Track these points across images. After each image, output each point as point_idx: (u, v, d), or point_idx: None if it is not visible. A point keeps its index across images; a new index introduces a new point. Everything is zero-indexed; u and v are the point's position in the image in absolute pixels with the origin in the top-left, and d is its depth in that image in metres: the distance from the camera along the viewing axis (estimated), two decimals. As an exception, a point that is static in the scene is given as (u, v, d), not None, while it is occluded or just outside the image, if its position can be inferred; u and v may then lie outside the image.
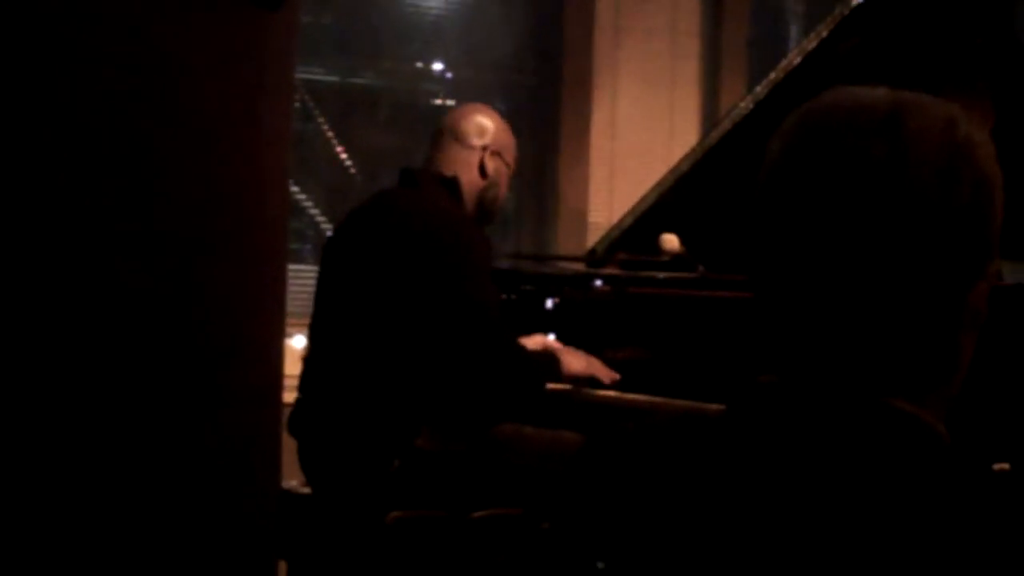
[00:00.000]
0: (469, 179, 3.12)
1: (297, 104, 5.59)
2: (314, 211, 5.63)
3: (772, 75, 3.19)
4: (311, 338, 3.08)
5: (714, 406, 2.40)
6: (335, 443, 2.84)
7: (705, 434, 1.04)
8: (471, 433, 2.81)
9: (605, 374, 2.94)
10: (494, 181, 3.16)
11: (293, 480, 2.97)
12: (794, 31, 6.61)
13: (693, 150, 3.42)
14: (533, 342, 2.98)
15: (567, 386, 2.89)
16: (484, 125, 3.18)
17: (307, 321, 3.14)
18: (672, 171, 3.42)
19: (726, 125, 3.30)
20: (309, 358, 3.03)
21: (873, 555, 0.89)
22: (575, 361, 2.92)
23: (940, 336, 0.99)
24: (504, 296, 3.25)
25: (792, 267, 1.01)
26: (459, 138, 3.15)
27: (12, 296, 1.99)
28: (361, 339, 2.86)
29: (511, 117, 3.45)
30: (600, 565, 1.03)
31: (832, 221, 0.97)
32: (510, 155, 3.22)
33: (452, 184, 3.08)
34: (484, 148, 3.15)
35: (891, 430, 0.96)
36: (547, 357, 2.91)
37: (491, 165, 3.14)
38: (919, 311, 0.98)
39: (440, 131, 3.21)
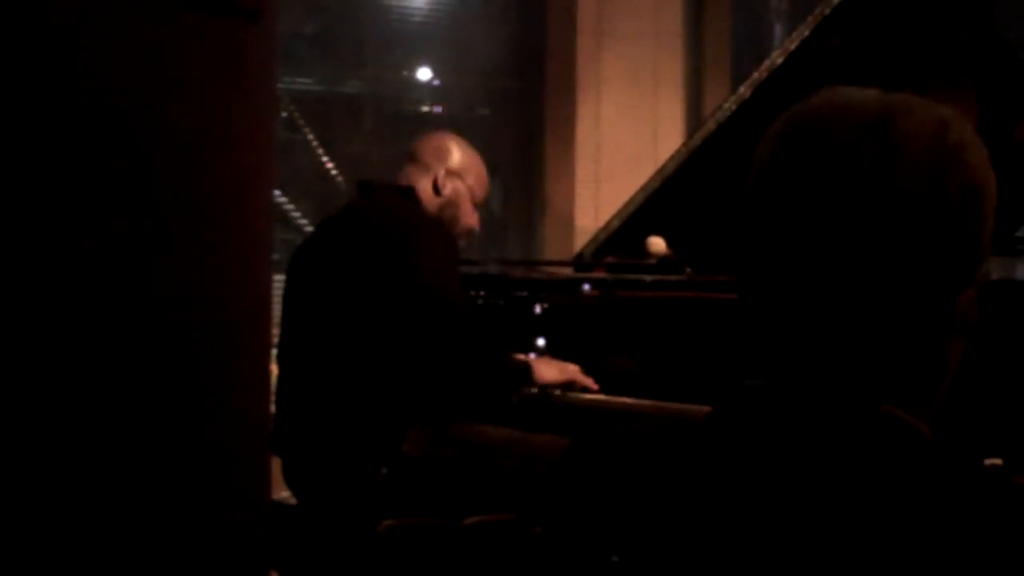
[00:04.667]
0: (426, 192, 3.09)
1: (283, 115, 5.58)
2: (302, 221, 5.63)
3: (755, 75, 3.19)
4: (281, 354, 3.01)
5: (701, 409, 2.39)
6: (320, 457, 2.81)
7: (691, 437, 1.04)
8: (447, 431, 2.80)
9: (582, 383, 2.93)
10: (451, 200, 3.11)
11: (284, 491, 2.96)
12: (777, 30, 6.62)
13: (678, 152, 3.41)
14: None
15: (556, 390, 2.88)
16: (444, 148, 3.15)
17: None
18: (658, 173, 3.42)
19: (710, 126, 3.29)
20: (282, 374, 2.96)
21: (860, 559, 0.89)
22: (548, 370, 2.90)
23: (927, 341, 0.99)
24: (493, 302, 3.24)
25: (780, 270, 1.00)
26: (416, 159, 3.13)
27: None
28: (334, 350, 2.81)
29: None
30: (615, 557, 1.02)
31: (820, 224, 0.97)
32: (473, 178, 3.16)
33: (407, 192, 3.06)
34: (441, 168, 3.11)
35: (878, 434, 0.96)
36: (519, 364, 2.88)
37: (448, 184, 3.10)
38: (907, 316, 0.97)
39: (404, 157, 3.19)
